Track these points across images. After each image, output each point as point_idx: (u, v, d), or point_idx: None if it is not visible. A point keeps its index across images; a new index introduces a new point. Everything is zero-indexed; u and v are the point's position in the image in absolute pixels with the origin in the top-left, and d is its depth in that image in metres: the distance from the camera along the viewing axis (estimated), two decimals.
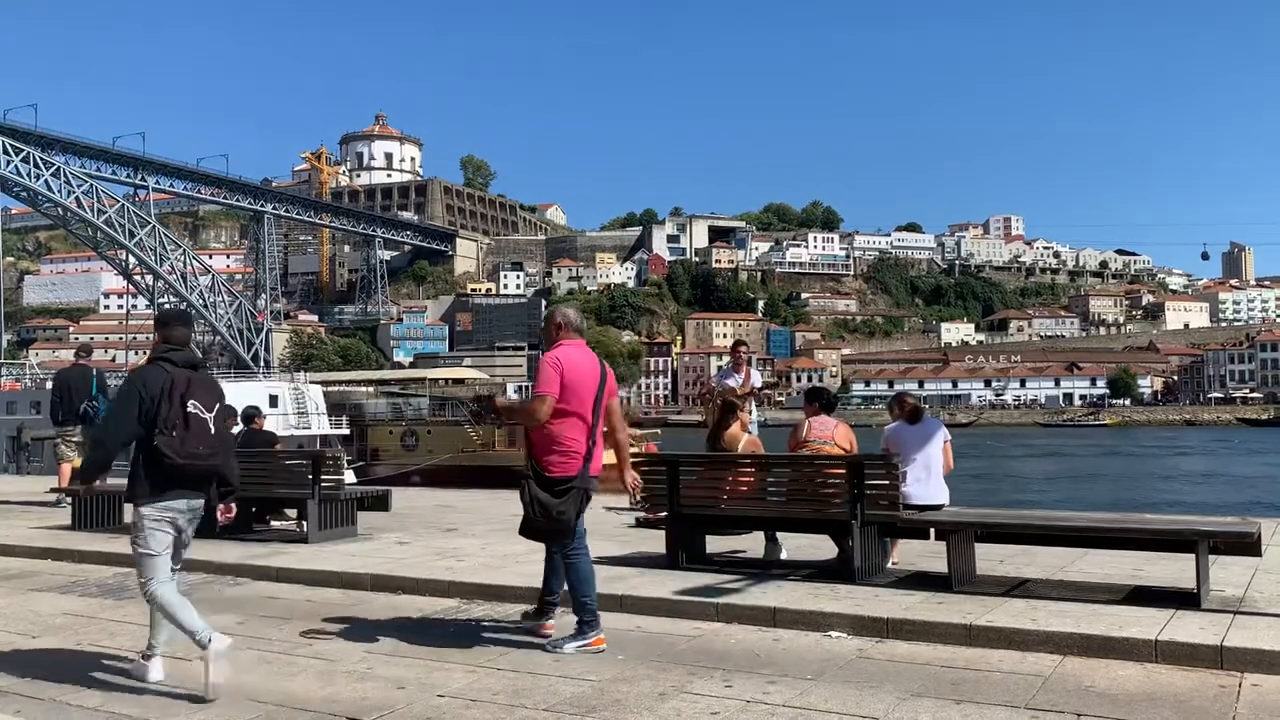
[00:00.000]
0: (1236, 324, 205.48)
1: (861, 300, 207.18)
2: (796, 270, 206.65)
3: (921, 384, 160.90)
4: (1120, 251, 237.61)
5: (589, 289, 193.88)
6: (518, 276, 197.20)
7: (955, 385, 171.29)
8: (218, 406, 5.32)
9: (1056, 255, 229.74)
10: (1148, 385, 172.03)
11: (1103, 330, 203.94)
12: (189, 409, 5.12)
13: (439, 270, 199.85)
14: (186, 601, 5.27)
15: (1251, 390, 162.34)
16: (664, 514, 8.33)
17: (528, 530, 5.92)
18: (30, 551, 10.05)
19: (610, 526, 10.96)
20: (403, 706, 4.85)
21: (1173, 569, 7.06)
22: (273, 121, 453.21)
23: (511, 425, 32.58)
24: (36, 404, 34.65)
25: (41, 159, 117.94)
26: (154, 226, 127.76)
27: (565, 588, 6.03)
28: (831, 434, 8.17)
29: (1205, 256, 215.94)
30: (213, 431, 5.21)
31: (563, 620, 6.15)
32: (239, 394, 37.05)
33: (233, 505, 10.33)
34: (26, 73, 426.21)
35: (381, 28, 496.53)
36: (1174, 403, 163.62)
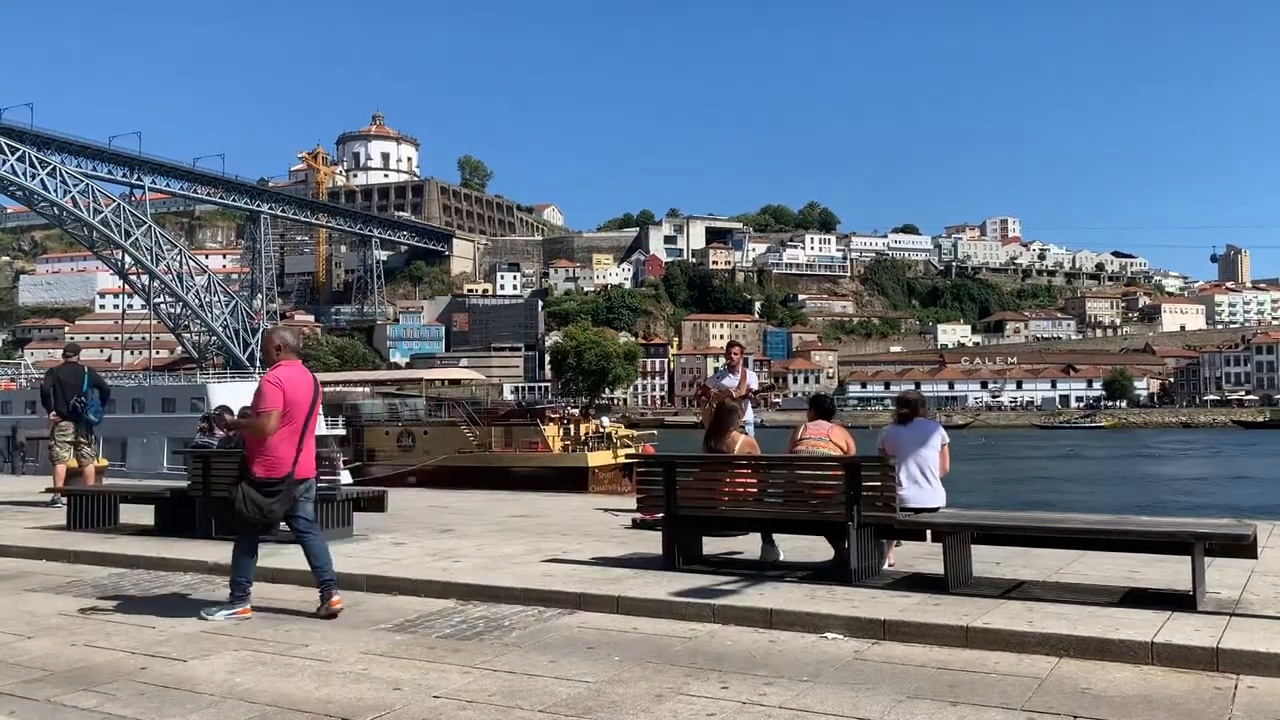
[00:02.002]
0: (1232, 326, 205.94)
1: (858, 301, 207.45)
2: (793, 271, 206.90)
3: (918, 385, 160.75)
4: (1116, 254, 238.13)
5: (586, 290, 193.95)
6: (514, 277, 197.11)
7: (951, 387, 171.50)
8: None
9: (1050, 257, 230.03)
10: (1144, 387, 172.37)
11: (1099, 332, 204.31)
12: None
13: (435, 271, 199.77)
14: None
15: (1247, 392, 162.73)
16: (660, 515, 8.33)
17: (238, 522, 6.91)
18: (25, 552, 10.02)
19: (607, 528, 10.95)
20: (399, 707, 4.84)
21: (1169, 571, 7.07)
22: (269, 121, 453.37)
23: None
24: (31, 404, 34.60)
25: (37, 158, 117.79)
26: (150, 226, 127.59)
27: (315, 566, 6.95)
28: (827, 434, 8.18)
29: (1214, 259, 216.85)
30: None
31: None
32: (235, 394, 36.97)
33: None
34: (23, 72, 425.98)
35: (379, 28, 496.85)
36: (1170, 405, 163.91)
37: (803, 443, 8.17)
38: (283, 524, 7.13)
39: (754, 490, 7.84)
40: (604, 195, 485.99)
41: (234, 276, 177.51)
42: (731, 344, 12.08)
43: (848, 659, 5.59)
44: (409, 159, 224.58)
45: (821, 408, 8.60)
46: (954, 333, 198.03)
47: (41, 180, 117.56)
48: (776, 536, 8.39)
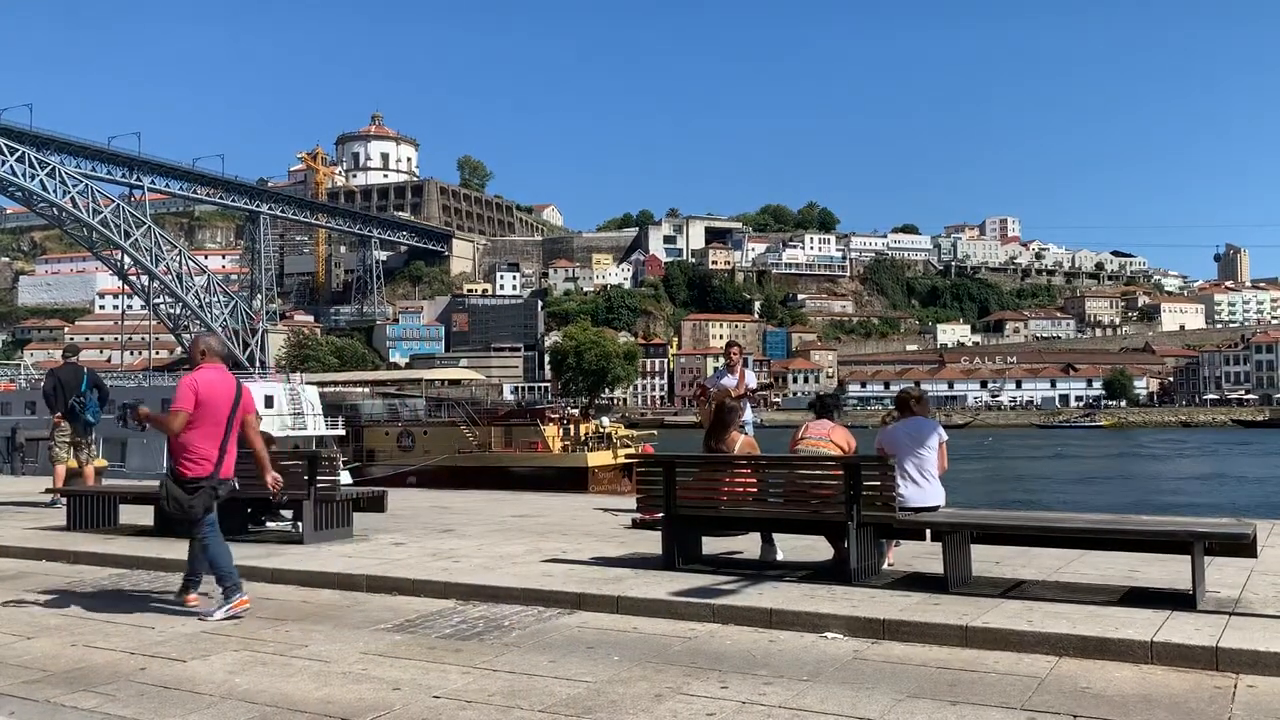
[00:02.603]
0: (1232, 325, 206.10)
1: (858, 301, 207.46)
2: (793, 271, 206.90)
3: (917, 385, 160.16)
4: (1116, 253, 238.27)
5: (585, 290, 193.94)
6: (514, 277, 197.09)
7: (951, 386, 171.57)
8: None
9: (1049, 257, 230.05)
10: (1143, 386, 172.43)
11: (1098, 332, 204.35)
12: None
13: (435, 271, 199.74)
14: None
15: (1246, 392, 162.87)
16: (660, 515, 8.33)
17: (162, 518, 7.34)
18: (25, 552, 10.01)
19: (607, 528, 10.96)
20: (399, 707, 4.84)
21: (1169, 570, 7.08)
22: (269, 122, 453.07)
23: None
24: (31, 404, 34.62)
25: (37, 159, 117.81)
26: (149, 227, 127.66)
27: (210, 567, 7.17)
28: (828, 433, 8.18)
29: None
30: None
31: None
32: None
33: None
34: (22, 72, 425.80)
35: (378, 28, 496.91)
36: (1170, 404, 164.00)
37: (803, 442, 8.18)
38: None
39: (754, 490, 7.84)
40: (603, 195, 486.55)
41: (233, 277, 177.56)
42: (730, 344, 12.07)
43: (847, 658, 5.59)
44: (408, 159, 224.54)
45: (823, 407, 8.61)
46: (953, 332, 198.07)
47: (41, 181, 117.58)
48: (776, 536, 8.40)
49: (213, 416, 7.06)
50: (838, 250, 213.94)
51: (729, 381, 11.11)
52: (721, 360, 12.34)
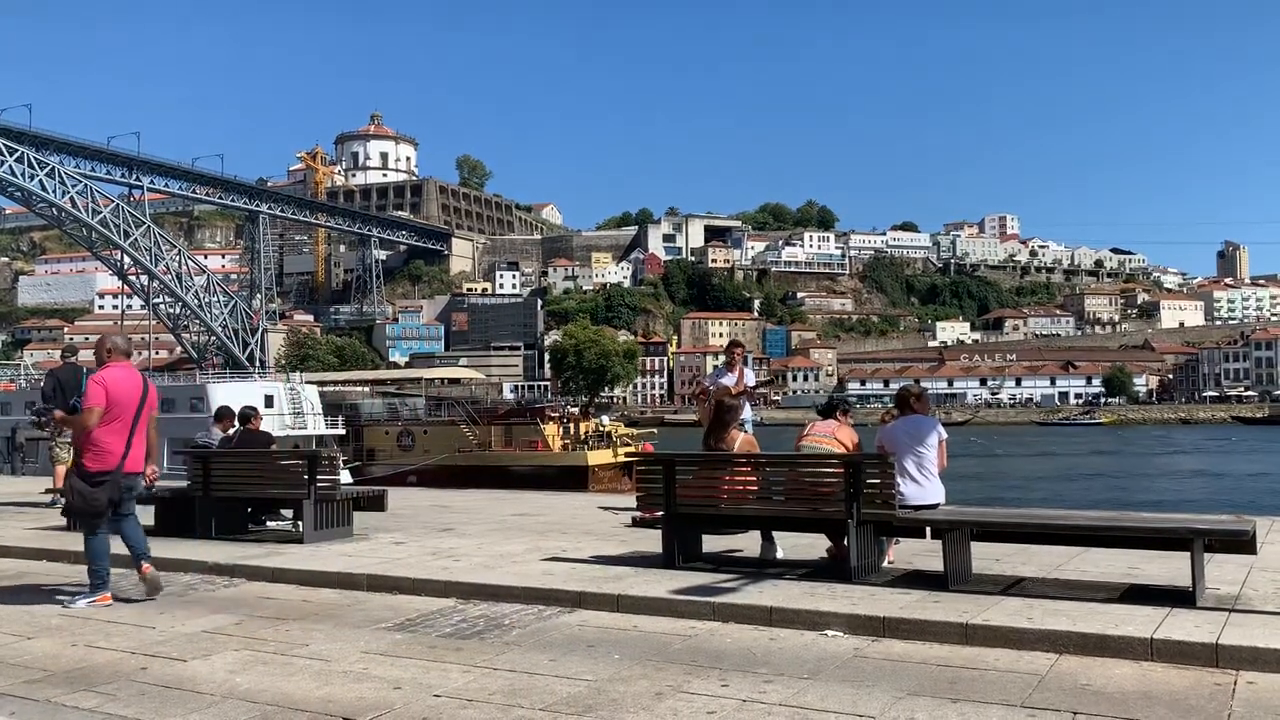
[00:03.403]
0: (1231, 322, 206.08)
1: (857, 299, 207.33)
2: (792, 269, 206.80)
3: (917, 382, 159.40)
4: (1115, 250, 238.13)
5: (585, 288, 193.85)
6: (513, 276, 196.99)
7: (951, 384, 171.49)
8: None
9: (1049, 254, 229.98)
10: (1143, 384, 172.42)
11: (1098, 329, 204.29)
12: None
13: (434, 270, 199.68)
14: None
15: (1246, 388, 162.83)
16: (660, 513, 8.33)
17: (68, 512, 7.76)
18: (25, 552, 10.02)
19: (607, 526, 10.96)
20: (399, 706, 4.85)
21: (1168, 567, 7.08)
22: (268, 121, 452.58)
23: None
24: (31, 404, 34.52)
25: (36, 159, 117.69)
26: (149, 226, 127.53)
27: (133, 550, 7.60)
28: (833, 431, 8.20)
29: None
30: None
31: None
32: (234, 394, 37.05)
33: None
34: (21, 72, 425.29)
35: (378, 27, 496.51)
36: (1169, 401, 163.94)
37: (807, 439, 8.19)
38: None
39: (754, 488, 7.85)
40: (603, 194, 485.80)
41: (233, 276, 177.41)
42: (734, 343, 12.02)
43: (848, 656, 5.59)
44: (407, 158, 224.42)
45: (829, 407, 8.68)
46: (953, 330, 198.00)
47: (40, 181, 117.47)
48: (776, 534, 8.40)
49: (120, 413, 7.35)
50: (837, 248, 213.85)
51: (728, 380, 11.09)
52: (721, 359, 12.31)
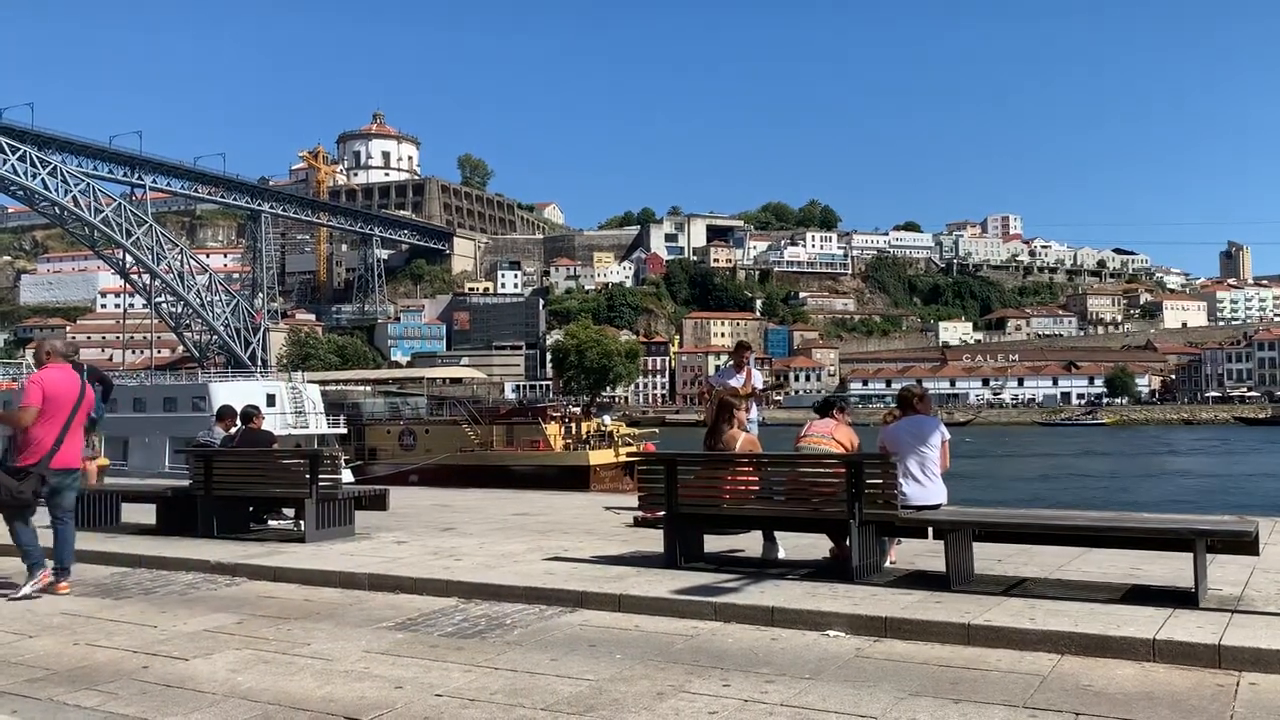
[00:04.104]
0: (1234, 323, 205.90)
1: (859, 299, 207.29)
2: (794, 269, 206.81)
3: (919, 383, 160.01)
4: (1118, 250, 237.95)
5: (587, 288, 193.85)
6: (515, 276, 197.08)
7: (953, 384, 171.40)
8: None
9: (1051, 254, 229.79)
10: (1145, 384, 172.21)
11: (1100, 329, 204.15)
12: None
13: (436, 269, 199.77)
14: None
15: (1249, 389, 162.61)
16: (662, 513, 8.33)
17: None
18: None
19: (609, 526, 10.96)
20: (401, 706, 4.85)
21: (1171, 568, 7.07)
22: (270, 120, 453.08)
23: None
24: None
25: (38, 158, 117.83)
26: (151, 225, 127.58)
27: (59, 548, 7.86)
28: (831, 431, 8.19)
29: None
30: None
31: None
32: (236, 393, 37.06)
33: None
34: (23, 72, 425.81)
35: (379, 27, 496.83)
36: (1172, 401, 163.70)
37: (806, 440, 8.18)
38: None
39: (755, 488, 7.84)
40: (605, 193, 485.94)
41: (235, 275, 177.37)
42: (742, 344, 11.93)
43: (849, 657, 5.59)
44: (409, 158, 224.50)
45: (826, 406, 8.66)
46: (955, 330, 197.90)
47: (42, 180, 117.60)
48: (778, 534, 8.40)
49: (55, 412, 7.70)
50: (839, 248, 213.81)
51: (735, 381, 11.06)
52: (724, 358, 12.28)
